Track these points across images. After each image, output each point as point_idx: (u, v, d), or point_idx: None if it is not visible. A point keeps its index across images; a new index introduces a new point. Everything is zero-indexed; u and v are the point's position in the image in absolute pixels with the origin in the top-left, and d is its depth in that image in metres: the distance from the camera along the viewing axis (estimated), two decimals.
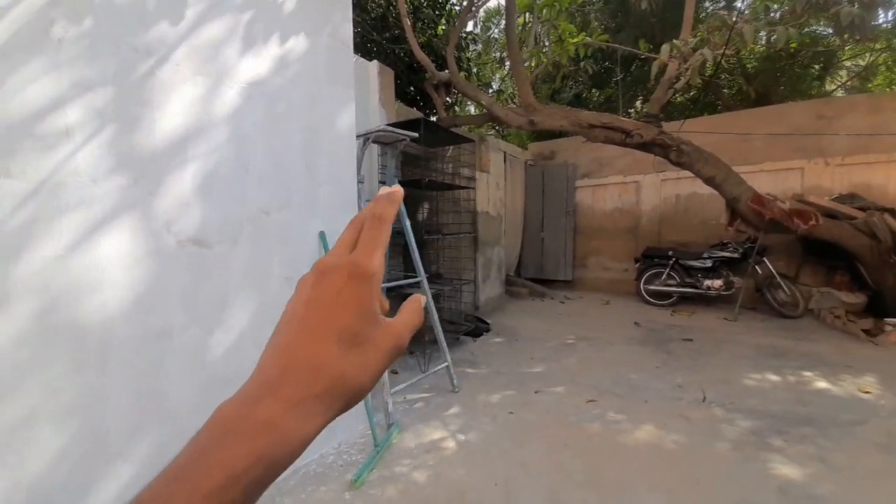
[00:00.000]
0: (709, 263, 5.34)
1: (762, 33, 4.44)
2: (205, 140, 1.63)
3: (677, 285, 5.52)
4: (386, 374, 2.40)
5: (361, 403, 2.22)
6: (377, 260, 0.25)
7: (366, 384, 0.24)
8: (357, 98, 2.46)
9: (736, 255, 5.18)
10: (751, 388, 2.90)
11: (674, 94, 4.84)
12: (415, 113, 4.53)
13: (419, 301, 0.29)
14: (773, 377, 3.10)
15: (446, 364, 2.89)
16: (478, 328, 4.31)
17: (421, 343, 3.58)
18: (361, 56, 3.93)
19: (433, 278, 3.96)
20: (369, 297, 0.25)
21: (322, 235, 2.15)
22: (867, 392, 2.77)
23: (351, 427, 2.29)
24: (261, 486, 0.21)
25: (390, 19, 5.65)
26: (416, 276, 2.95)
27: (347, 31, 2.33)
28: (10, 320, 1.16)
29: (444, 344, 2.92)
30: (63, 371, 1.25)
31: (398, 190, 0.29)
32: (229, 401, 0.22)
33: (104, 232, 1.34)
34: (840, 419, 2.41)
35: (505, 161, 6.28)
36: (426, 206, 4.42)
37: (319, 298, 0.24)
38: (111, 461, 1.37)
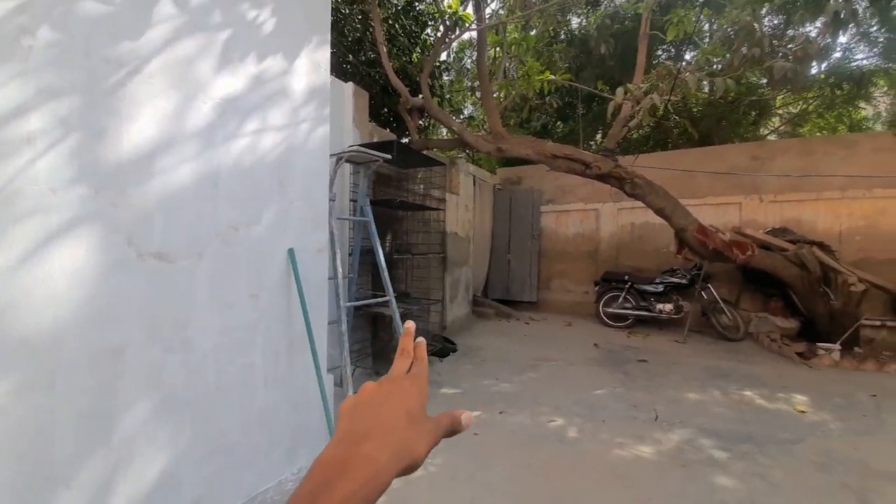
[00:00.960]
0: (661, 288, 5.70)
1: (704, 82, 4.96)
2: (174, 153, 1.61)
3: (633, 308, 5.83)
4: (351, 393, 2.36)
5: (323, 426, 2.16)
6: (425, 383, 0.40)
7: (420, 454, 0.33)
8: (332, 118, 2.50)
9: (684, 281, 5.58)
10: (698, 407, 3.09)
11: (628, 132, 5.26)
12: (388, 134, 4.62)
13: (460, 418, 0.39)
14: (718, 397, 3.33)
15: None
16: (445, 348, 4.32)
17: (387, 363, 3.54)
18: (337, 77, 4.00)
19: (401, 297, 3.97)
20: (423, 398, 0.38)
21: (291, 252, 2.13)
22: (802, 411, 3.03)
23: (313, 451, 2.22)
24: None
25: (366, 43, 5.79)
26: (384, 295, 2.95)
27: (325, 53, 2.39)
28: None
29: None
30: (9, 389, 1.16)
31: (422, 341, 0.46)
32: (326, 451, 0.31)
33: (60, 243, 1.28)
34: (778, 437, 2.62)
35: (474, 184, 6.48)
36: (396, 225, 4.46)
37: (396, 392, 0.37)
38: (55, 488, 1.26)
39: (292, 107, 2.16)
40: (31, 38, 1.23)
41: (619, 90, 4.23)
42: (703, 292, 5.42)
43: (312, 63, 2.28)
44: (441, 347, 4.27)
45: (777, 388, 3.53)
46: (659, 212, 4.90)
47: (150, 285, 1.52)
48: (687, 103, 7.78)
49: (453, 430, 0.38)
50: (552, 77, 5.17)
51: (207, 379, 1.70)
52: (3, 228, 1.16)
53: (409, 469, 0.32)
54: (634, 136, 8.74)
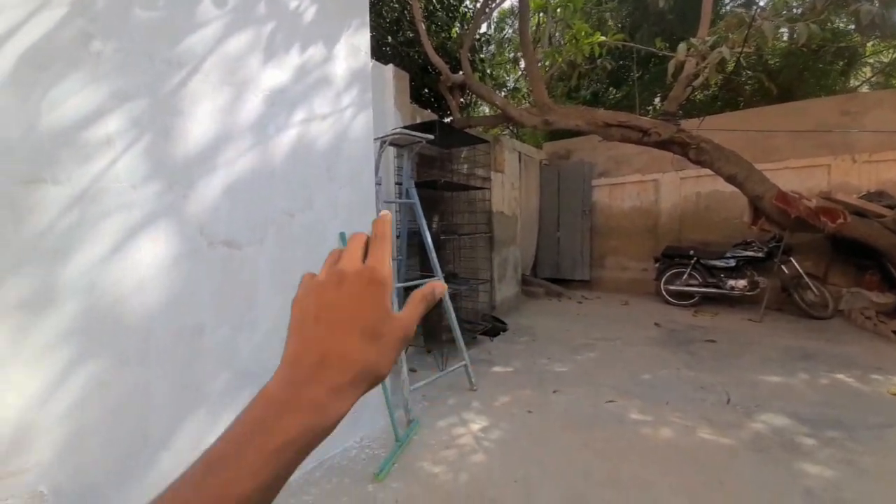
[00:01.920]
0: (732, 263, 5.22)
1: (783, 30, 4.33)
2: (232, 146, 1.71)
3: (699, 285, 5.40)
4: (405, 370, 2.44)
5: (382, 400, 2.27)
6: (388, 268, 0.31)
7: (383, 370, 0.30)
8: (373, 101, 2.51)
9: (760, 255, 5.05)
10: (778, 390, 2.83)
11: (692, 92, 4.74)
12: (430, 115, 4.58)
13: (431, 290, 0.33)
14: (802, 379, 3.02)
15: (464, 363, 2.91)
16: (495, 328, 4.32)
17: (438, 342, 3.62)
18: (377, 60, 4.01)
19: (449, 278, 3.99)
20: (384, 299, 0.30)
21: (342, 235, 2.20)
22: None
23: (373, 421, 2.34)
24: (306, 451, 0.27)
25: (404, 22, 5.72)
26: (432, 276, 2.98)
27: (364, 37, 2.39)
28: (59, 318, 1.24)
29: (461, 343, 2.94)
30: (109, 365, 1.34)
31: (387, 214, 0.35)
32: (272, 385, 0.28)
33: (143, 235, 1.42)
34: (869, 422, 2.34)
35: (520, 161, 6.28)
36: (442, 207, 4.46)
37: (343, 300, 0.29)
38: (155, 451, 1.45)
39: (336, 93, 2.20)
40: (99, 44, 1.34)
41: (682, 46, 3.81)
42: (783, 266, 4.87)
43: (352, 48, 2.30)
44: (491, 326, 4.27)
45: (871, 369, 3.13)
46: (730, 179, 4.43)
47: (220, 270, 1.65)
48: (762, 55, 6.87)
49: (429, 306, 0.33)
50: (603, 39, 4.79)
51: (273, 355, 1.83)
52: (94, 223, 1.31)
53: (370, 388, 0.29)
54: (699, 96, 7.93)
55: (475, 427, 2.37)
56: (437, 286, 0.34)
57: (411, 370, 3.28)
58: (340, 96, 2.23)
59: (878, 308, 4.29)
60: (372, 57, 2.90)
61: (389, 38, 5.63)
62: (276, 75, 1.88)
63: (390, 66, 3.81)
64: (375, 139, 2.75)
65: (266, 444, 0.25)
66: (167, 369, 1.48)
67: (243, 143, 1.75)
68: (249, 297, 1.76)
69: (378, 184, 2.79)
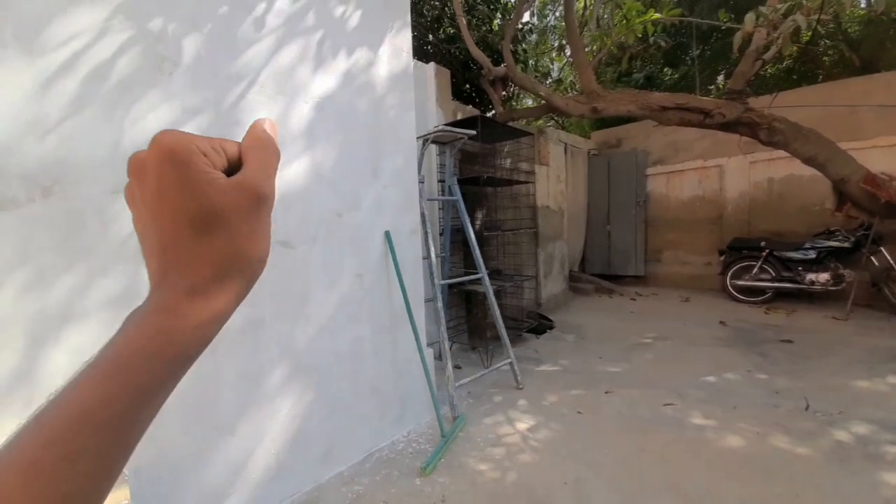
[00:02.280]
0: (812, 255, 4.68)
1: None
2: (285, 151, 1.81)
3: (772, 280, 4.91)
4: (450, 367, 2.46)
5: (428, 395, 2.30)
6: (172, 133, 0.24)
7: (254, 254, 0.25)
8: (416, 100, 2.54)
9: (846, 245, 4.48)
10: (864, 396, 2.51)
11: (762, 66, 4.28)
12: (471, 111, 4.55)
13: (261, 125, 0.27)
14: (892, 384, 2.65)
15: (510, 360, 2.88)
16: (541, 325, 4.22)
17: (483, 339, 3.60)
18: (418, 59, 4.04)
19: (493, 275, 3.96)
20: (185, 171, 0.23)
21: (387, 234, 2.26)
22: None
23: (419, 417, 2.39)
24: (172, 357, 0.23)
25: (445, 19, 5.72)
26: (476, 272, 2.97)
27: (406, 37, 2.42)
28: None
29: (506, 340, 2.91)
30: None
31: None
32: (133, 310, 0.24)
33: None
34: None
35: (566, 152, 6.05)
36: (485, 202, 4.42)
37: (154, 195, 0.24)
38: (223, 435, 1.58)
39: (380, 95, 2.25)
40: (170, 65, 1.47)
41: (749, 16, 3.45)
42: (872, 257, 4.29)
43: (395, 50, 2.34)
44: (537, 324, 4.18)
45: None
46: (809, 161, 3.96)
47: (278, 268, 1.76)
48: (841, 24, 6.05)
49: (266, 146, 0.26)
50: (657, 16, 4.46)
51: (325, 348, 1.92)
52: None
53: (252, 279, 0.25)
54: (770, 71, 7.16)
55: (522, 426, 2.34)
56: (268, 121, 0.28)
57: (456, 367, 3.30)
58: (384, 98, 2.28)
59: None
60: (413, 56, 2.94)
61: (430, 35, 5.66)
62: (324, 82, 1.96)
63: (431, 64, 3.82)
64: (417, 138, 2.78)
65: (109, 355, 0.22)
66: (233, 360, 1.61)
67: (295, 148, 1.85)
68: (304, 293, 1.86)
69: (421, 182, 2.82)
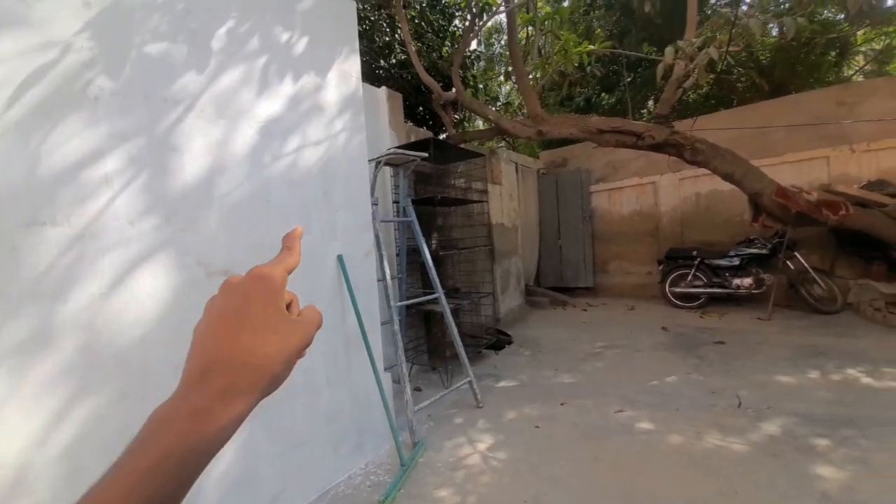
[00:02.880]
0: (736, 261, 5.17)
1: (771, 25, 4.37)
2: (229, 177, 1.74)
3: (704, 286, 5.36)
4: (409, 391, 2.42)
5: (387, 424, 2.24)
6: (278, 270, 0.31)
7: (279, 367, 0.28)
8: (368, 124, 2.56)
9: (765, 252, 5.01)
10: (790, 391, 2.77)
11: (684, 93, 4.78)
12: (425, 133, 4.64)
13: (319, 315, 0.34)
14: (813, 377, 2.96)
15: (469, 379, 2.89)
16: (499, 341, 4.29)
17: (442, 359, 3.59)
18: (370, 83, 4.09)
19: (451, 293, 3.99)
20: (273, 295, 0.29)
21: (340, 259, 2.22)
22: None
23: (377, 447, 2.31)
24: (194, 459, 0.25)
25: (396, 45, 5.86)
26: (433, 293, 2.98)
27: (355, 62, 2.45)
28: (58, 356, 1.26)
29: (465, 359, 2.93)
30: (108, 400, 1.34)
31: (298, 229, 0.35)
32: (162, 404, 0.27)
33: (142, 269, 1.45)
34: (882, 417, 2.28)
35: (517, 172, 6.32)
36: (440, 222, 4.48)
37: (229, 303, 0.29)
38: None
39: (329, 119, 2.24)
40: (97, 89, 1.38)
41: (669, 49, 3.86)
42: (788, 262, 4.82)
43: (344, 74, 2.35)
44: (496, 340, 4.24)
45: (882, 362, 3.07)
46: (727, 177, 4.42)
47: None
48: (753, 52, 6.93)
49: (316, 323, 0.33)
50: (591, 48, 4.86)
51: None
52: (94, 260, 1.34)
53: (267, 392, 0.29)
54: (692, 97, 7.98)
55: (482, 446, 2.34)
56: (320, 314, 0.34)
57: (416, 389, 3.26)
58: (333, 121, 2.27)
59: (887, 299, 4.22)
60: (365, 81, 2.97)
61: (382, 61, 5.76)
62: (269, 106, 1.93)
63: (383, 88, 3.88)
64: (370, 160, 2.79)
65: (139, 462, 0.24)
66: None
67: (239, 173, 1.79)
68: None
69: (374, 204, 2.82)
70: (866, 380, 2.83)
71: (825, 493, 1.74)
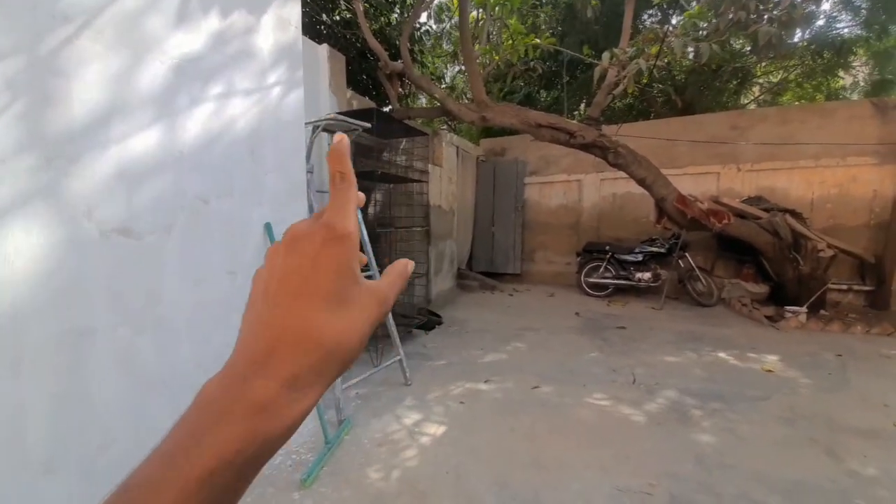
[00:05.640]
0: (640, 257, 5.83)
1: (689, 48, 4.88)
2: (131, 119, 1.48)
3: (613, 277, 5.96)
4: None
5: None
6: (351, 219, 0.24)
7: (355, 347, 0.24)
8: (306, 83, 2.35)
9: (662, 250, 5.71)
10: (673, 369, 3.23)
11: (612, 100, 5.18)
12: (368, 102, 4.42)
13: (406, 265, 0.29)
14: (691, 358, 3.49)
15: (399, 358, 2.89)
16: (430, 321, 4.35)
17: (373, 337, 3.54)
18: (311, 38, 3.76)
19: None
20: (347, 257, 0.24)
21: (268, 226, 2.05)
22: (770, 371, 3.20)
23: (303, 430, 2.22)
24: (256, 464, 0.21)
25: (341, 1, 5.43)
26: (368, 270, 2.90)
27: (295, 9, 2.22)
28: None
29: (396, 337, 2.92)
30: None
31: (342, 139, 0.26)
32: (215, 379, 0.22)
33: (13, 218, 1.18)
34: (746, 394, 2.77)
35: (458, 156, 6.35)
36: (379, 198, 4.35)
37: (296, 266, 0.23)
38: (36, 473, 1.22)
39: (261, 68, 2.01)
40: None
41: (606, 54, 4.12)
42: (680, 261, 5.57)
43: (280, 20, 2.12)
44: (427, 321, 4.29)
45: (746, 349, 3.72)
46: (641, 182, 4.92)
47: (116, 262, 1.43)
48: (671, 70, 7.71)
49: (405, 282, 0.28)
50: (537, 41, 5.00)
51: (182, 359, 1.65)
52: None
53: (340, 373, 0.24)
54: (618, 105, 8.66)
55: (408, 422, 2.38)
56: (409, 262, 0.30)
57: None
58: (266, 72, 2.05)
59: (753, 297, 5.10)
60: (305, 35, 2.70)
61: (325, 16, 5.31)
62: (187, 41, 1.66)
63: (325, 45, 3.59)
64: (307, 123, 2.58)
65: (191, 470, 0.19)
66: (46, 379, 1.25)
67: (145, 115, 1.53)
68: (154, 293, 1.55)
69: (310, 171, 2.63)
70: (732, 362, 3.40)
71: (700, 456, 2.07)
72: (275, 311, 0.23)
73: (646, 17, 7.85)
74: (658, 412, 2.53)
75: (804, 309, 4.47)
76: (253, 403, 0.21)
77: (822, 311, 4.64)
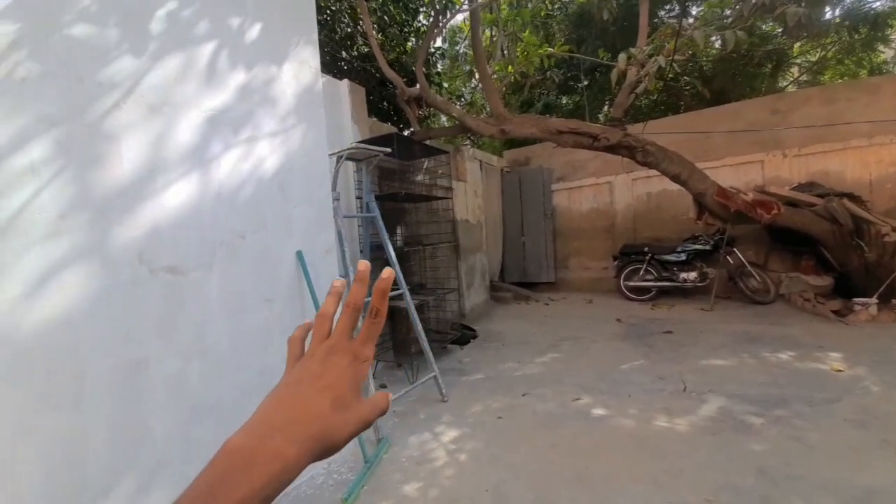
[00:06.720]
0: (683, 257, 5.53)
1: (714, 38, 4.70)
2: (173, 168, 1.64)
3: (655, 280, 5.68)
4: (373, 388, 2.40)
5: None
6: (372, 350, 0.36)
7: (341, 440, 0.32)
8: (330, 116, 2.50)
9: (708, 247, 5.39)
10: (728, 374, 3.01)
11: (636, 99, 5.05)
12: (389, 128, 4.60)
13: (386, 398, 0.37)
14: (749, 362, 3.23)
15: (434, 374, 2.90)
16: (464, 336, 4.34)
17: (408, 355, 3.59)
18: (332, 75, 3.99)
19: (417, 289, 3.99)
20: (361, 377, 0.34)
21: (300, 254, 2.16)
22: (839, 370, 2.90)
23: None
24: (270, 500, 0.28)
25: (358, 37, 5.75)
26: (398, 289, 2.97)
27: (313, 52, 2.38)
28: None
29: (429, 354, 2.94)
30: (36, 410, 1.23)
31: (389, 276, 0.36)
32: (237, 438, 0.29)
33: (74, 265, 1.34)
34: (814, 398, 2.52)
35: (481, 169, 6.40)
36: (405, 218, 4.46)
37: (326, 372, 0.33)
38: (93, 498, 1.34)
39: (285, 110, 2.17)
40: (24, 71, 1.26)
41: (622, 56, 4.05)
42: (728, 257, 5.23)
43: (301, 64, 2.28)
44: (461, 335, 4.28)
45: (812, 348, 3.39)
46: (675, 178, 4.72)
47: (165, 298, 1.57)
48: (698, 62, 7.42)
49: (380, 410, 0.36)
50: (551, 51, 5.01)
51: (225, 384, 1.75)
52: (18, 257, 1.22)
53: (325, 455, 0.31)
54: (643, 102, 8.42)
55: (446, 439, 2.36)
56: (388, 395, 0.37)
57: (381, 386, 3.23)
58: (290, 113, 2.20)
59: (815, 290, 4.67)
60: (326, 73, 2.90)
61: (343, 53, 5.63)
62: (218, 94, 1.84)
63: (345, 80, 3.80)
64: (331, 154, 2.73)
65: (231, 496, 0.26)
66: (105, 409, 1.38)
67: (184, 164, 1.69)
68: (199, 324, 1.68)
69: (336, 199, 2.76)
70: (796, 363, 3.12)
71: (761, 469, 1.90)
72: (301, 398, 0.32)
73: (663, 13, 7.67)
74: (713, 421, 2.36)
75: (874, 300, 4.03)
76: (271, 452, 0.28)
77: (894, 301, 4.16)
